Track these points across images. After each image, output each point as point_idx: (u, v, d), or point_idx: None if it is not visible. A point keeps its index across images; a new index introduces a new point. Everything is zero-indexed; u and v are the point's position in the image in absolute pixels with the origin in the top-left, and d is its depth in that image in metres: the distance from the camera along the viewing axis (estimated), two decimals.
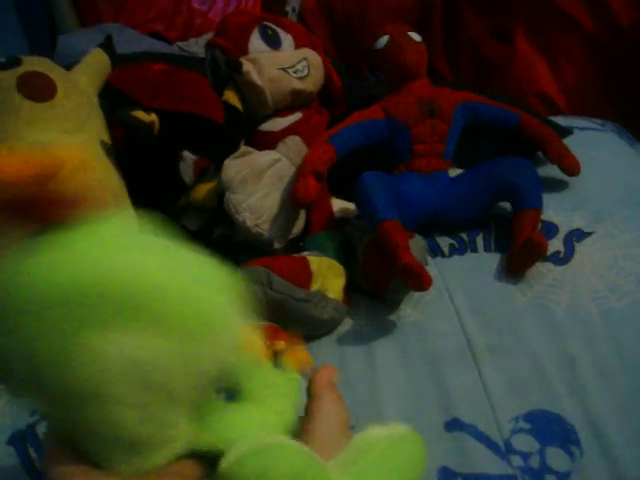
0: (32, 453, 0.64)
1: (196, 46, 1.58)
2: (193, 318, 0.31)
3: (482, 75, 1.38)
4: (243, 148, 0.82)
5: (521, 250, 0.74)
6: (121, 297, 0.29)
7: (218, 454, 0.36)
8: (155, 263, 0.31)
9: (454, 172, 0.86)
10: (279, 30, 0.89)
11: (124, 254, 0.30)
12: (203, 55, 0.98)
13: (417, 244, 0.73)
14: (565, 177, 0.87)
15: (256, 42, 0.87)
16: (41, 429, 0.66)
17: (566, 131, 0.93)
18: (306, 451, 0.37)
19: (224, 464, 0.35)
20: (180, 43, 1.62)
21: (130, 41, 1.46)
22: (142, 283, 0.30)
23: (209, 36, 1.51)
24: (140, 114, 0.77)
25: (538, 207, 0.78)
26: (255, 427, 0.39)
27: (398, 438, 0.42)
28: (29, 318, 0.29)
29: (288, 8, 1.53)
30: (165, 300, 0.30)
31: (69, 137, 0.74)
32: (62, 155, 0.30)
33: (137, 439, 0.33)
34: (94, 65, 0.84)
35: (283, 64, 0.86)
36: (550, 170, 0.88)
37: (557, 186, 0.88)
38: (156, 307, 0.30)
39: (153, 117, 0.78)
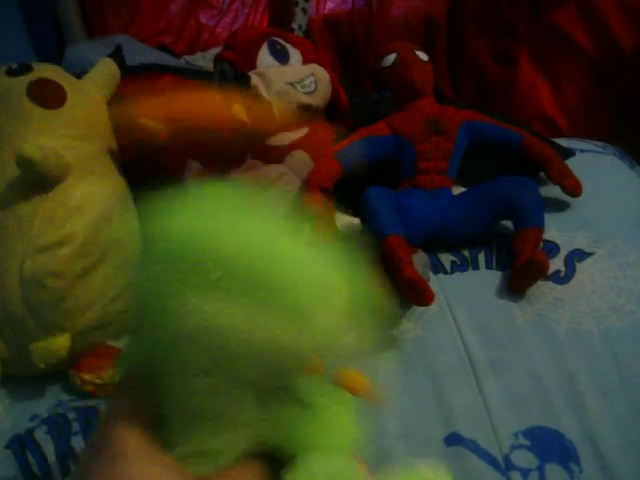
0: (30, 458, 0.64)
1: (203, 60, 1.59)
2: (299, 298, 0.32)
3: (484, 96, 1.40)
4: (250, 161, 0.82)
5: (523, 269, 0.75)
6: (241, 270, 0.30)
7: (281, 457, 0.36)
8: (279, 245, 0.32)
9: (457, 190, 0.87)
10: (287, 45, 0.90)
11: (255, 228, 0.31)
12: (210, 69, 0.99)
13: (420, 259, 0.74)
14: (567, 197, 0.88)
15: (265, 57, 0.88)
16: (40, 434, 0.66)
17: (568, 152, 0.94)
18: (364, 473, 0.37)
19: (293, 476, 0.35)
20: (187, 57, 1.63)
21: (138, 53, 1.47)
22: (264, 259, 0.31)
23: (216, 50, 1.52)
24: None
25: (540, 226, 0.79)
26: (323, 439, 0.38)
27: None
28: (165, 269, 0.31)
29: (295, 25, 1.54)
30: (274, 277, 0.31)
31: (78, 144, 0.74)
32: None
33: (204, 413, 0.34)
34: (104, 74, 0.85)
35: (291, 79, 0.87)
36: (552, 190, 0.88)
37: (559, 206, 0.88)
38: (265, 282, 0.31)
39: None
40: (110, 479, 0.31)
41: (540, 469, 0.60)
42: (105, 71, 0.85)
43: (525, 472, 0.60)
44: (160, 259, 0.31)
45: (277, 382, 0.36)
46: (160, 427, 0.35)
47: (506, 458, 0.61)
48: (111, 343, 0.72)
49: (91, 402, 0.69)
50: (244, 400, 0.35)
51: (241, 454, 0.36)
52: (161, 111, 0.82)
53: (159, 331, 0.32)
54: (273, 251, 0.32)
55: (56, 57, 1.68)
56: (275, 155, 0.86)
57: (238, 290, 0.31)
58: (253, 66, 0.87)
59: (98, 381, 0.68)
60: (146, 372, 0.34)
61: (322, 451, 0.37)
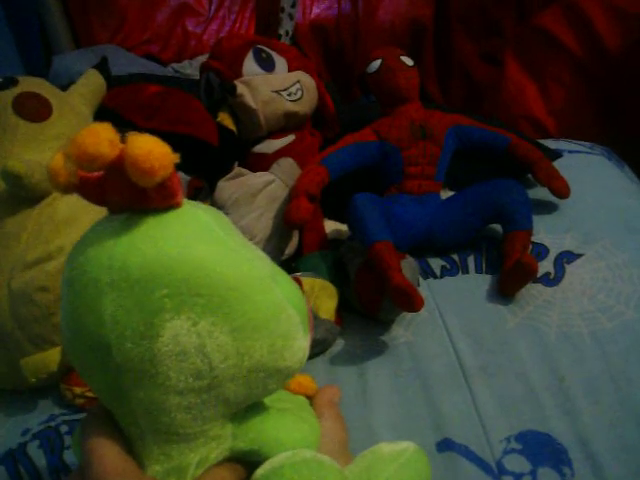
0: (23, 473, 0.64)
1: (190, 68, 1.59)
2: (257, 314, 0.34)
3: (472, 97, 1.40)
4: (237, 169, 0.83)
5: (512, 271, 0.75)
6: (201, 287, 0.32)
7: (253, 460, 0.38)
8: (236, 260, 0.34)
9: (445, 194, 0.87)
10: (273, 53, 0.90)
11: (209, 247, 0.33)
12: (197, 77, 0.99)
13: (409, 265, 0.74)
14: (555, 199, 0.88)
15: (250, 65, 0.88)
16: (32, 448, 0.65)
17: (556, 154, 0.94)
18: (339, 469, 0.39)
19: (261, 471, 0.37)
20: (175, 65, 1.64)
21: (125, 62, 1.47)
22: (223, 278, 0.33)
23: (203, 58, 1.53)
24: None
25: (528, 228, 0.79)
26: (292, 436, 0.40)
27: (409, 456, 0.45)
28: (116, 293, 0.31)
29: (281, 31, 1.54)
30: (237, 295, 0.33)
31: None
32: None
33: (178, 429, 0.35)
34: (89, 86, 0.85)
35: (277, 87, 0.87)
36: (541, 192, 0.89)
37: (547, 208, 0.89)
38: (229, 300, 0.33)
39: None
40: None
41: (532, 473, 0.60)
42: (90, 83, 0.85)
43: (518, 476, 0.60)
44: (132, 285, 0.32)
45: (255, 399, 0.38)
46: (132, 446, 0.36)
47: (498, 463, 0.61)
48: None
49: (83, 415, 0.68)
50: (220, 416, 0.36)
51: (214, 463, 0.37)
52: (145, 122, 0.82)
53: (135, 352, 0.32)
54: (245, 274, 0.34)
55: (44, 67, 1.68)
56: (262, 163, 0.86)
57: (214, 311, 0.33)
58: (239, 74, 0.87)
59: (89, 394, 0.68)
60: (116, 393, 0.34)
61: (288, 448, 0.39)
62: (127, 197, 0.32)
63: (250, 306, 0.34)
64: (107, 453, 0.34)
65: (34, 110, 0.75)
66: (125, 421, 0.36)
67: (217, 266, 0.33)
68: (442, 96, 1.47)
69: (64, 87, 0.82)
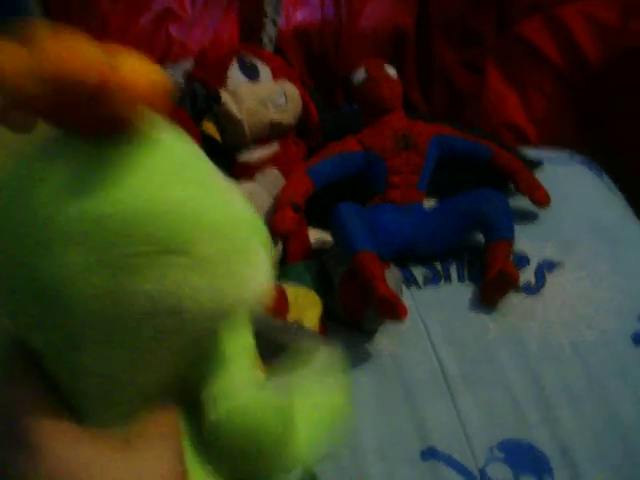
0: None
1: (173, 71, 1.58)
2: (227, 254, 0.29)
3: (454, 105, 1.41)
4: None
5: (494, 281, 0.76)
6: (184, 243, 0.27)
7: (200, 400, 0.35)
8: (206, 197, 0.29)
9: (428, 203, 0.88)
10: (257, 62, 0.90)
11: (192, 189, 0.28)
12: (180, 81, 0.99)
13: (392, 275, 0.74)
14: (535, 208, 0.89)
15: (235, 74, 0.88)
16: None
17: (536, 163, 0.95)
18: (288, 404, 0.38)
19: (214, 415, 0.35)
20: None
21: None
22: (193, 219, 0.28)
23: (186, 63, 1.52)
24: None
25: (510, 238, 0.80)
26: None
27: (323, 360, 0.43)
28: (84, 247, 0.26)
29: (264, 37, 1.54)
30: (206, 236, 0.28)
31: None
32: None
33: (127, 385, 0.32)
34: None
35: (261, 96, 0.87)
36: (521, 201, 0.90)
37: (528, 217, 0.90)
38: (199, 243, 0.28)
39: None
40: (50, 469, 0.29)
41: None
42: None
43: None
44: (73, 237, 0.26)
45: (202, 346, 0.35)
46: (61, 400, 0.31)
47: (482, 471, 0.62)
48: None
49: None
50: (166, 365, 0.33)
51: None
52: None
53: (101, 311, 0.27)
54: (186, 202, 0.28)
55: None
56: (246, 172, 0.86)
57: (182, 257, 0.28)
58: (223, 83, 0.87)
59: None
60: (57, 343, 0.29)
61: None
62: (91, 120, 0.25)
63: (224, 246, 0.29)
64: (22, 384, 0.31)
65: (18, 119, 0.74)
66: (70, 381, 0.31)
67: (204, 215, 0.28)
68: (424, 103, 1.47)
69: None
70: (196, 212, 0.28)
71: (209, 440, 0.36)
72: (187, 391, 0.36)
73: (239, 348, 0.38)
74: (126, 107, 0.24)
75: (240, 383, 0.37)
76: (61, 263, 0.26)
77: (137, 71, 0.24)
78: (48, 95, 0.23)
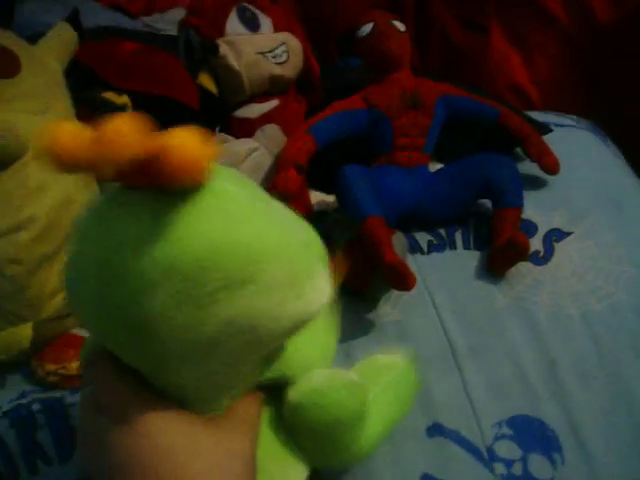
0: None
1: (162, 22, 1.51)
2: (289, 276, 0.33)
3: (454, 66, 1.36)
4: (219, 135, 0.79)
5: (503, 250, 0.73)
6: (252, 273, 0.31)
7: (274, 384, 0.41)
8: (265, 231, 0.32)
9: (433, 167, 0.84)
10: (258, 12, 0.85)
11: (253, 225, 0.32)
12: (169, 31, 0.94)
13: (399, 241, 0.71)
14: (543, 175, 0.86)
15: (234, 24, 0.83)
16: (2, 428, 0.62)
17: (545, 128, 0.92)
18: (364, 385, 0.44)
19: (298, 395, 0.41)
20: (145, 18, 1.56)
21: (92, 13, 1.39)
22: (256, 253, 0.31)
23: (175, 11, 1.45)
24: (111, 96, 0.73)
25: (519, 206, 0.77)
26: (314, 353, 0.44)
27: (402, 369, 0.51)
28: (164, 288, 0.30)
29: None
30: (268, 265, 0.32)
31: (35, 117, 0.69)
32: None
33: (218, 387, 0.37)
34: (60, 40, 0.78)
35: (262, 48, 0.82)
36: (528, 167, 0.87)
37: (535, 184, 0.87)
38: (263, 272, 0.32)
39: (125, 99, 0.74)
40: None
41: (523, 459, 0.59)
42: (62, 37, 0.78)
43: (509, 463, 0.59)
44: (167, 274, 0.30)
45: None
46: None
47: (489, 449, 0.59)
48: (77, 332, 0.68)
49: (56, 394, 0.65)
50: (257, 366, 0.38)
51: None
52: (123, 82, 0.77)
53: (183, 337, 0.32)
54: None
55: (6, 16, 1.59)
56: (245, 128, 0.82)
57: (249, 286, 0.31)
58: (221, 34, 0.82)
59: (63, 371, 0.64)
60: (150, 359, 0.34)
61: (313, 365, 0.43)
62: (148, 178, 0.29)
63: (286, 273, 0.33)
64: (123, 378, 0.36)
65: (1, 66, 0.69)
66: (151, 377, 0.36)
67: (266, 246, 0.32)
68: (422, 64, 1.43)
69: (29, 39, 0.76)
70: (258, 246, 0.31)
71: (290, 422, 0.42)
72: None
73: (313, 340, 0.43)
74: (174, 178, 0.27)
75: (317, 369, 0.42)
76: (144, 304, 0.30)
77: (184, 145, 0.27)
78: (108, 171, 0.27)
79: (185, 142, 0.27)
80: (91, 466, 0.36)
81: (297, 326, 0.35)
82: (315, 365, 0.43)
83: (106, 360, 0.37)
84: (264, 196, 0.35)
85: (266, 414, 0.42)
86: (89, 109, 0.74)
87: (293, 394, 0.41)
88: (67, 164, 0.27)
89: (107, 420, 0.35)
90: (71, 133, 0.27)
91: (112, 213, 0.32)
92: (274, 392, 0.42)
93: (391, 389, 0.49)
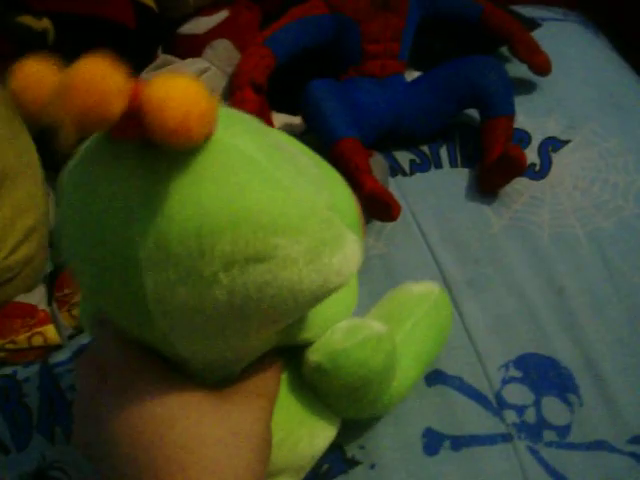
0: None
1: None
2: (313, 248, 0.29)
3: None
4: (162, 57, 0.68)
5: (496, 166, 0.64)
6: (246, 240, 0.27)
7: (293, 343, 0.38)
8: (281, 198, 0.28)
9: (411, 75, 0.74)
10: None
11: (264, 193, 0.27)
12: None
13: (378, 164, 0.62)
14: (533, 77, 0.76)
15: None
16: None
17: (533, 23, 0.82)
18: (390, 333, 0.41)
19: (319, 356, 0.38)
20: None
21: None
22: (271, 224, 0.27)
23: None
24: (28, 20, 0.62)
25: (510, 113, 0.68)
26: (334, 309, 0.40)
27: (436, 298, 0.49)
28: (160, 267, 0.27)
29: None
30: (286, 238, 0.28)
31: None
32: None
33: (228, 360, 0.35)
34: None
35: None
36: (515, 69, 0.77)
37: (525, 87, 0.77)
38: (281, 246, 0.28)
39: (45, 23, 0.63)
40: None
41: (537, 404, 0.52)
42: None
43: (520, 410, 0.52)
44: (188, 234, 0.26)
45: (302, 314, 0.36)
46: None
47: (498, 395, 0.52)
48: (21, 299, 0.59)
49: (6, 370, 0.57)
50: (266, 339, 0.35)
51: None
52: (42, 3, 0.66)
53: (182, 312, 0.28)
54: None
55: None
56: (191, 47, 0.72)
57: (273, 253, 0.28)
58: None
59: (11, 346, 0.56)
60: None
61: (334, 321, 0.39)
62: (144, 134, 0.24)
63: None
64: (130, 345, 0.34)
65: None
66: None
67: (282, 217, 0.27)
68: None
69: None
70: (273, 216, 0.27)
71: (311, 383, 0.40)
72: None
73: (336, 299, 0.36)
74: (162, 129, 0.22)
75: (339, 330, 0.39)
76: (145, 280, 0.27)
77: (170, 91, 0.23)
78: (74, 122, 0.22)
79: (184, 91, 0.23)
80: (83, 435, 0.35)
81: (320, 300, 0.31)
82: (336, 322, 0.40)
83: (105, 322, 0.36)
84: (282, 148, 0.30)
85: (285, 374, 0.40)
86: (4, 37, 0.63)
87: (312, 356, 0.38)
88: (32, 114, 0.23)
89: (109, 388, 0.34)
90: (35, 75, 0.23)
91: (100, 172, 0.28)
92: (293, 350, 0.40)
93: (425, 322, 0.47)
